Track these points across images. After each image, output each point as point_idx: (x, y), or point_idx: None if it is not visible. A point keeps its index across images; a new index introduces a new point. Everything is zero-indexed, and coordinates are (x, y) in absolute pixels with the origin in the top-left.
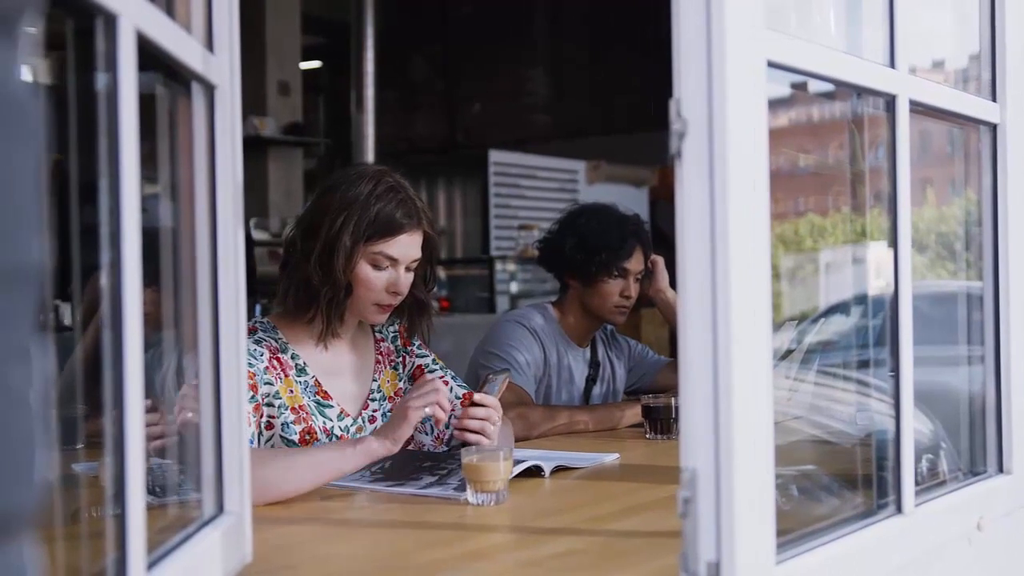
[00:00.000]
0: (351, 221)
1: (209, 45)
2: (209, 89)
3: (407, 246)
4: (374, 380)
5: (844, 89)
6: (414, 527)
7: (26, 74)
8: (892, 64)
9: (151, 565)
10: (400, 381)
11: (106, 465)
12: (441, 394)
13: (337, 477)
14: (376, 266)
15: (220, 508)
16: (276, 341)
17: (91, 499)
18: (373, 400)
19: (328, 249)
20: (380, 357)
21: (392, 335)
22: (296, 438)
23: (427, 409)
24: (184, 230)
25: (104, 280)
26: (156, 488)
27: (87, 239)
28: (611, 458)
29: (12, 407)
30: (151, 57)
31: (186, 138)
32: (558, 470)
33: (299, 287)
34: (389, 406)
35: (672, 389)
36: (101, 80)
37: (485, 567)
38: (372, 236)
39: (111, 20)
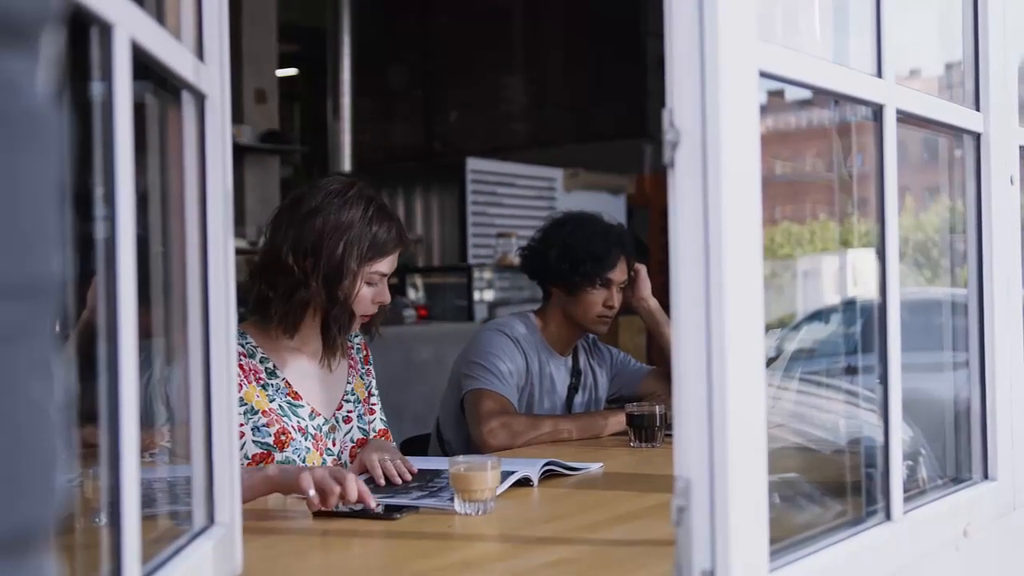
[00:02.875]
0: (354, 246)
1: (200, 54)
2: (200, 98)
3: (394, 260)
4: (348, 383)
5: (822, 97)
6: (403, 537)
7: (46, 86)
8: (879, 74)
9: None
10: (365, 390)
11: (90, 476)
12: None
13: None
14: (369, 283)
15: (211, 519)
16: (243, 346)
17: (77, 510)
18: (348, 401)
19: (334, 275)
20: (352, 362)
21: (357, 347)
22: (271, 440)
23: (311, 492)
24: (174, 239)
25: (100, 290)
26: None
27: (79, 248)
28: (596, 467)
29: (34, 421)
30: (142, 66)
31: (175, 147)
32: (547, 476)
33: (299, 308)
34: (362, 408)
35: (654, 397)
36: (95, 89)
37: None
38: (372, 258)
39: (106, 29)
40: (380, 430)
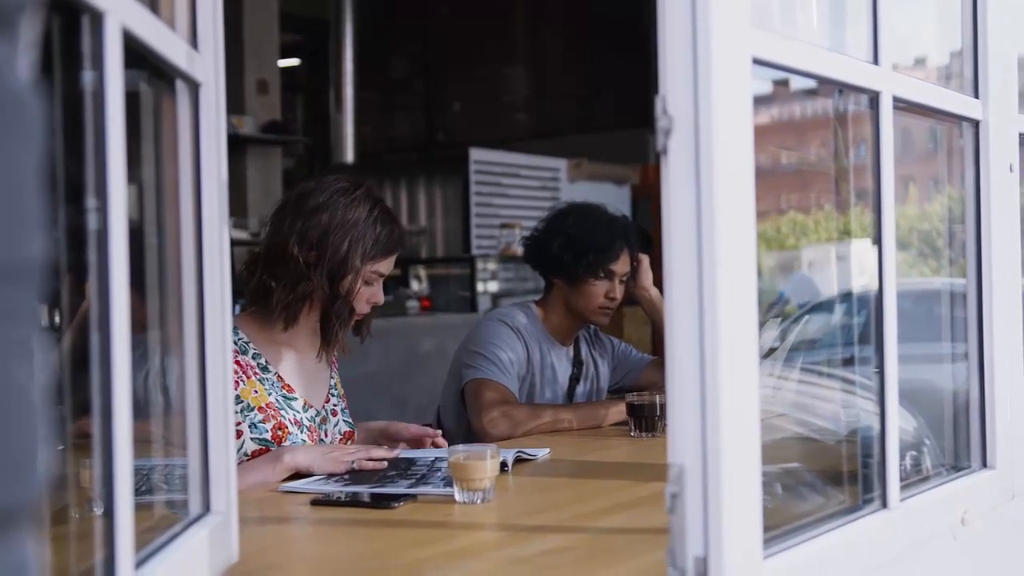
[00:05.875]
0: (359, 244)
1: (193, 43)
2: (194, 87)
3: (392, 263)
4: (332, 377)
5: (827, 86)
6: (400, 526)
7: (25, 71)
8: (876, 61)
9: (139, 564)
10: (342, 387)
11: (87, 465)
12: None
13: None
14: (367, 283)
15: (207, 507)
16: (235, 343)
17: (74, 499)
18: (333, 395)
19: (337, 269)
20: (333, 360)
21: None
22: (268, 435)
23: (354, 464)
24: (169, 229)
25: (91, 281)
26: (140, 487)
27: (69, 239)
28: (543, 452)
29: (16, 402)
30: (135, 54)
31: (170, 136)
32: (518, 462)
33: (300, 300)
34: (344, 403)
35: (656, 387)
36: (86, 77)
37: (473, 565)
38: (375, 257)
39: (98, 17)
40: (346, 431)
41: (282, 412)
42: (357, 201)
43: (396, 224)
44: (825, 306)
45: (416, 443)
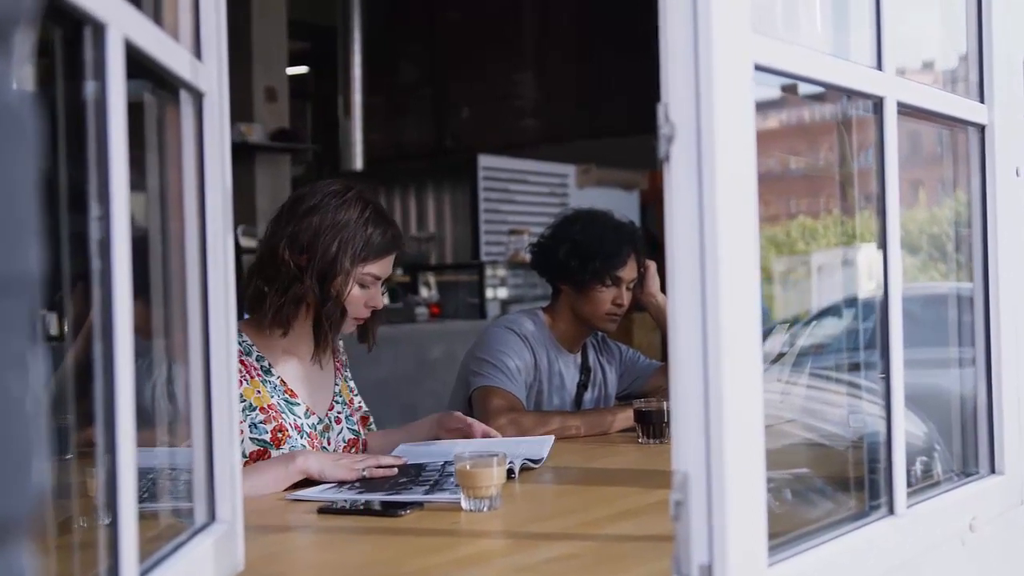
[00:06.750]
0: (348, 245)
1: (197, 52)
2: (197, 97)
3: (390, 265)
4: (336, 384)
5: (833, 91)
6: (407, 534)
7: (21, 83)
8: (879, 66)
9: (143, 573)
10: (351, 392)
11: (93, 475)
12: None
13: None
14: (362, 285)
15: (212, 516)
16: (240, 345)
17: (81, 508)
18: (337, 402)
19: (327, 271)
20: (338, 366)
21: (341, 351)
22: (268, 437)
23: (365, 472)
24: (173, 239)
25: (94, 290)
26: (145, 495)
27: (75, 248)
28: (548, 442)
29: (10, 414)
30: (139, 65)
31: (174, 146)
32: (524, 470)
33: (293, 303)
34: (349, 411)
35: (663, 393)
36: (89, 88)
37: (480, 572)
38: (366, 258)
39: (100, 29)
40: (350, 440)
41: (283, 415)
42: (348, 203)
43: (390, 226)
44: (834, 311)
45: (463, 434)
